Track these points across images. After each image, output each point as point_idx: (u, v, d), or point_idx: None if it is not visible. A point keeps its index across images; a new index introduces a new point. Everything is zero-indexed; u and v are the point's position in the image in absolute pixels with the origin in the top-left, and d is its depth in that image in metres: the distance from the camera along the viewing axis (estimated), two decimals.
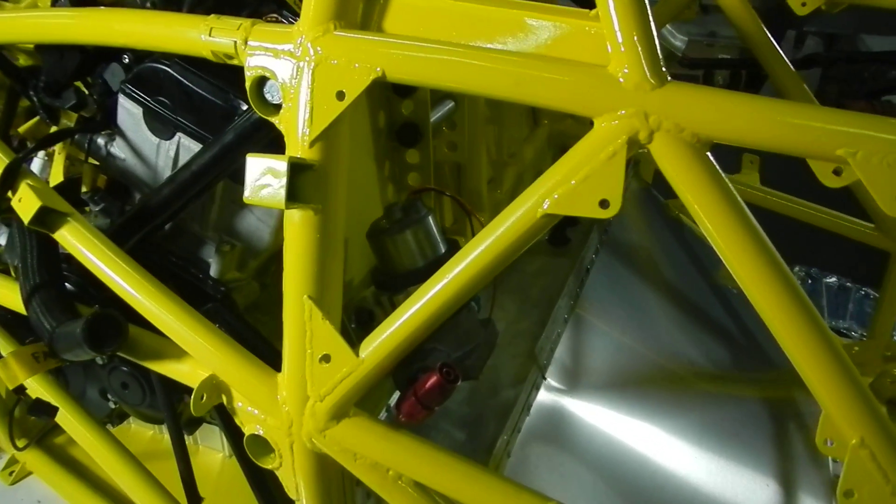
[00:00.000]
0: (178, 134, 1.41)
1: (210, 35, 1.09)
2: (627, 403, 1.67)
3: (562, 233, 2.01)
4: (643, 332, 1.82)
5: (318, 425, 1.11)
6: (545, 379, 1.39)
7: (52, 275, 1.35)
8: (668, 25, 2.13)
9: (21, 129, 1.84)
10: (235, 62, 1.09)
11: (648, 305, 1.92)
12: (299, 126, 1.03)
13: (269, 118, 1.07)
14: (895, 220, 2.10)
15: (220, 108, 1.36)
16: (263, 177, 1.00)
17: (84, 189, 1.51)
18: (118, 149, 1.50)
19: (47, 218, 1.28)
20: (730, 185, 0.89)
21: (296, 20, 1.56)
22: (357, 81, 0.98)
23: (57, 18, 1.28)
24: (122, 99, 1.44)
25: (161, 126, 1.41)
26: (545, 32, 0.94)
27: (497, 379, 1.40)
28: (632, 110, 0.87)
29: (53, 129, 1.73)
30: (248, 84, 1.07)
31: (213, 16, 1.10)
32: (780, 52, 1.96)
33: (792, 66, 1.97)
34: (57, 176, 1.67)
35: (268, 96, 1.07)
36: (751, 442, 1.93)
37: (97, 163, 1.53)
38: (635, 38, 0.86)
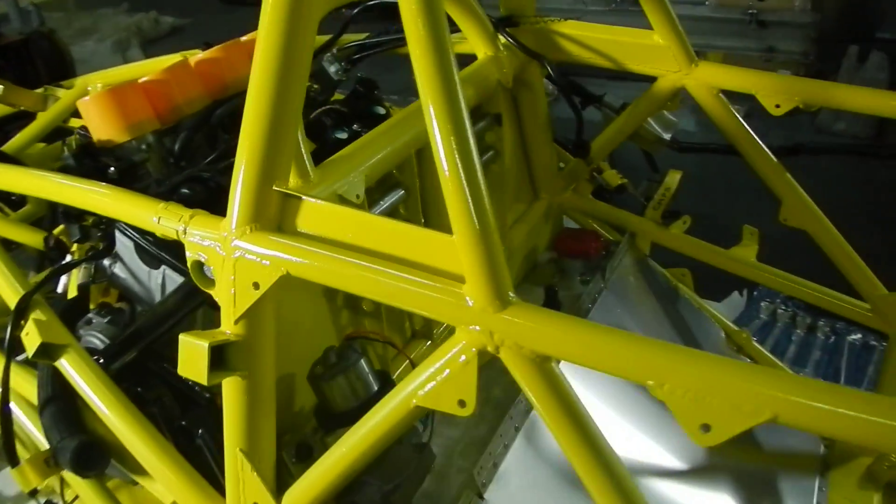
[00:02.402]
0: (163, 266, 1.60)
1: (159, 221, 1.27)
2: None
3: (554, 298, 2.10)
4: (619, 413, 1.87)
5: None
6: (483, 500, 1.50)
7: (63, 389, 1.57)
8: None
9: (56, 231, 2.09)
10: (181, 241, 1.27)
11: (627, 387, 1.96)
12: (227, 304, 1.19)
13: (207, 290, 1.24)
14: (890, 303, 2.08)
15: None
16: (191, 354, 1.17)
17: (91, 305, 1.74)
18: (120, 270, 1.71)
19: (49, 349, 1.49)
20: (570, 392, 0.99)
21: None
22: (268, 276, 1.14)
23: (56, 185, 1.50)
24: (117, 233, 1.65)
25: (149, 258, 1.62)
26: (418, 243, 1.06)
27: (439, 496, 1.51)
28: (480, 328, 0.99)
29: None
30: (188, 263, 1.24)
31: (161, 204, 1.28)
32: (763, 146, 1.98)
33: (774, 158, 2.00)
34: (74, 282, 1.89)
35: (206, 272, 1.24)
36: None
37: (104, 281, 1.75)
38: (483, 268, 0.97)
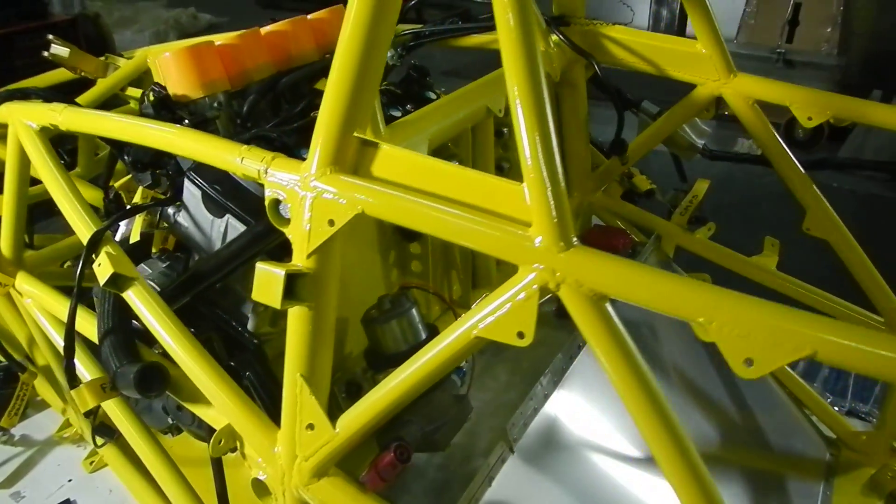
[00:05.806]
0: (227, 215, 1.71)
1: (242, 161, 1.37)
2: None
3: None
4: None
5: (304, 480, 1.38)
6: (513, 453, 1.59)
7: (122, 321, 1.67)
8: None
9: (117, 185, 2.21)
10: (260, 181, 1.37)
11: None
12: (301, 240, 1.29)
13: (281, 228, 1.35)
14: None
15: (260, 199, 1.65)
16: (267, 281, 1.27)
17: (154, 249, 1.84)
18: (183, 219, 1.82)
19: (118, 281, 1.60)
20: (622, 330, 1.09)
21: None
22: (343, 214, 1.24)
23: (140, 127, 1.61)
24: (186, 182, 1.76)
25: (214, 207, 1.72)
26: (489, 190, 1.16)
27: (471, 449, 1.59)
28: (543, 266, 1.09)
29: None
30: (266, 202, 1.35)
31: (245, 147, 1.39)
32: (793, 157, 2.09)
33: (802, 169, 2.10)
34: (137, 228, 2.00)
35: (282, 211, 1.35)
36: None
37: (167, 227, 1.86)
38: (550, 211, 1.08)
